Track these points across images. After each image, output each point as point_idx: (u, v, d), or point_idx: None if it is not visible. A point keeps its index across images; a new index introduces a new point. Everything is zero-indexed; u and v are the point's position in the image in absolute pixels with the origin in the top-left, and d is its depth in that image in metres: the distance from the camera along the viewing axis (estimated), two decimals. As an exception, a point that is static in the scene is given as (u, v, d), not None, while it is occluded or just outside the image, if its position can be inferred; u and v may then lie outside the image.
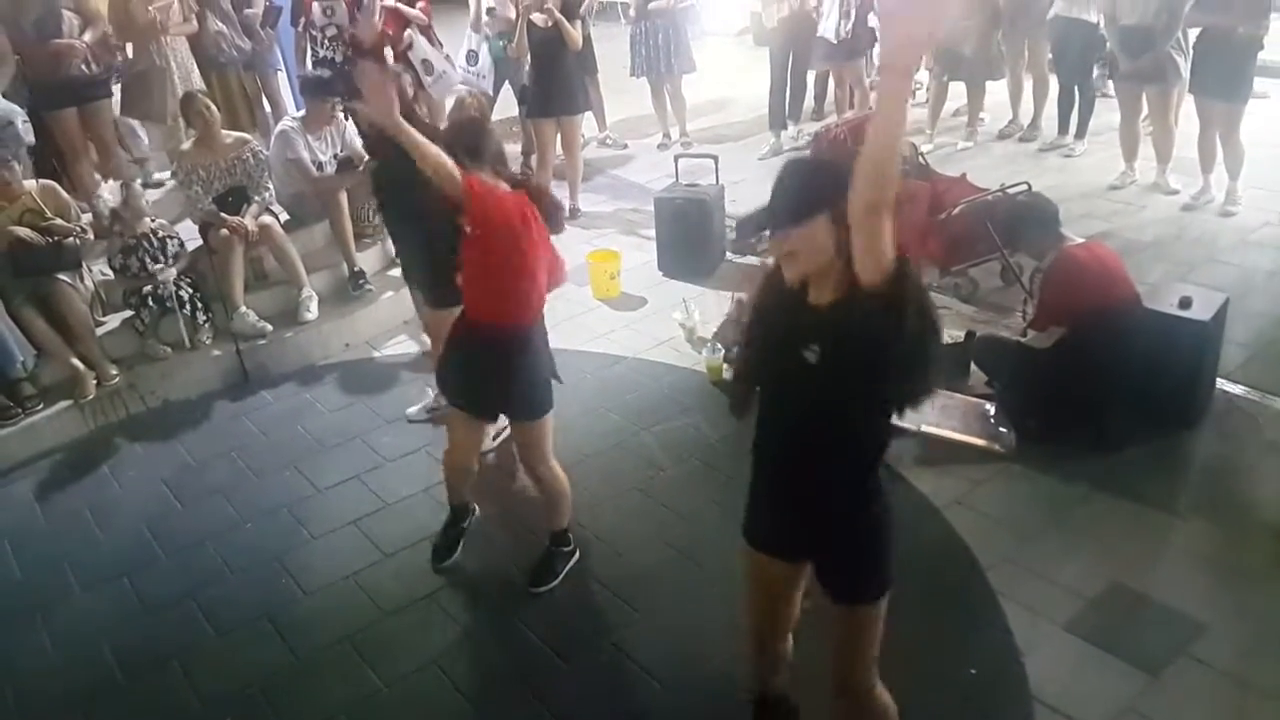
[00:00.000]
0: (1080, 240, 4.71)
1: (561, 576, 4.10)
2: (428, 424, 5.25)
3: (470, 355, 3.82)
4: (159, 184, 7.53)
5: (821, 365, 2.34)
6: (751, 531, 2.82)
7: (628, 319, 6.30)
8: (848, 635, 2.70)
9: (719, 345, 5.52)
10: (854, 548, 2.58)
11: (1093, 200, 7.43)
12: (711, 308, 6.04)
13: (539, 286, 3.73)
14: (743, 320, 2.72)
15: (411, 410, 5.39)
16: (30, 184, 5.68)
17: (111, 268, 5.92)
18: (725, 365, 5.46)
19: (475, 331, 3.77)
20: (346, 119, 6.50)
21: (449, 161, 3.37)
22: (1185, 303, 4.60)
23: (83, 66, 6.56)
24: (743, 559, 2.87)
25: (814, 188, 2.32)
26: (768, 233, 2.39)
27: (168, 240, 5.94)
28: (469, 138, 3.63)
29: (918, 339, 2.24)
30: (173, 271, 5.87)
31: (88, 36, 6.54)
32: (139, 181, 6.64)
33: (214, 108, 6.21)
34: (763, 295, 2.54)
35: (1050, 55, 8.45)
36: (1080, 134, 8.39)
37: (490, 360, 3.75)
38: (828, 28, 8.55)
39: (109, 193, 6.81)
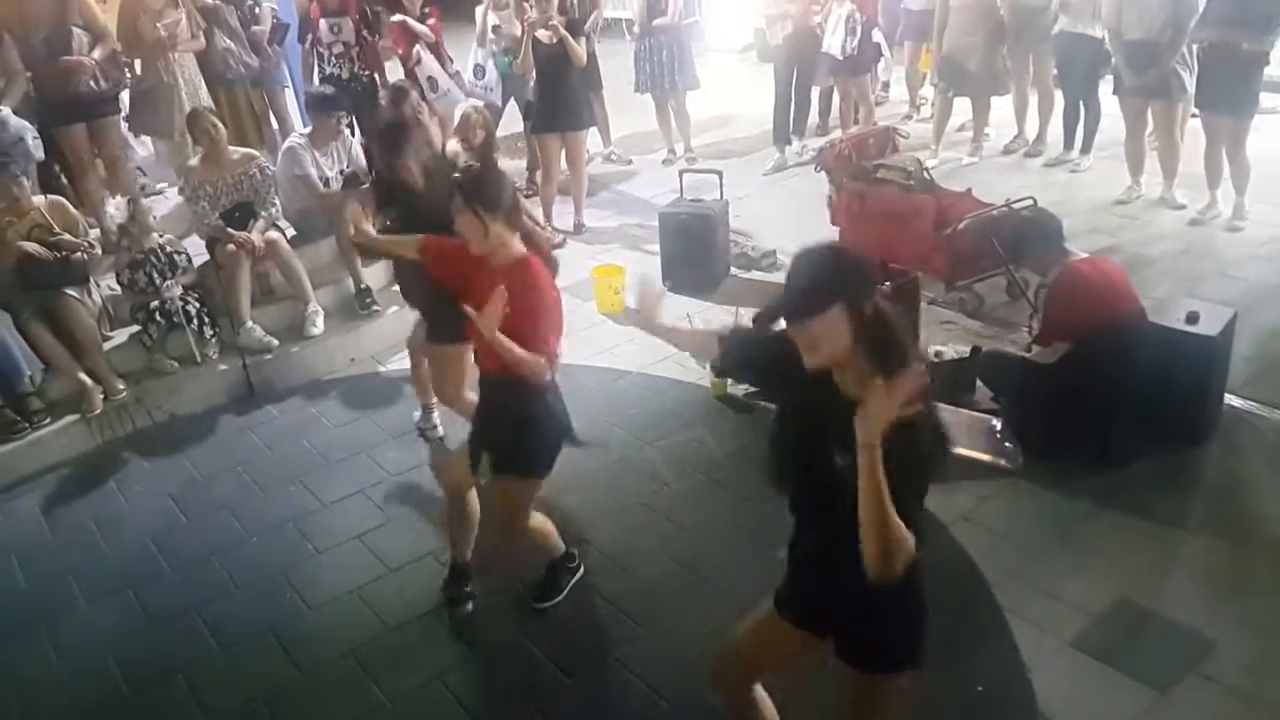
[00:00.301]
0: (1085, 255, 4.71)
1: (565, 591, 4.09)
2: (437, 439, 5.27)
3: (481, 404, 3.79)
4: (158, 192, 7.56)
5: (847, 470, 2.27)
6: (782, 596, 2.78)
7: (632, 334, 6.29)
8: (851, 707, 2.63)
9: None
10: (875, 623, 2.52)
11: (1098, 215, 7.43)
12: (716, 323, 6.03)
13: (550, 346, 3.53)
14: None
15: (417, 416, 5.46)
16: (39, 199, 5.71)
17: (119, 283, 5.94)
18: (729, 380, 5.46)
19: (486, 382, 3.72)
20: (352, 135, 6.53)
21: (536, 358, 3.38)
22: (1192, 318, 4.59)
23: (91, 83, 6.59)
24: (763, 616, 2.81)
25: (827, 278, 2.33)
26: (784, 323, 2.38)
27: (175, 255, 5.95)
28: (486, 190, 3.47)
29: (931, 458, 2.29)
30: (179, 287, 5.88)
31: (97, 53, 6.58)
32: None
33: (220, 125, 6.23)
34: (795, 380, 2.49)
35: (1055, 70, 8.46)
36: (1086, 149, 8.38)
37: (495, 411, 3.70)
38: (833, 44, 8.57)
39: (116, 209, 6.85)
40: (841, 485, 2.26)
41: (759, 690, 2.97)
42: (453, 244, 3.58)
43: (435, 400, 5.17)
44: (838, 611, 2.59)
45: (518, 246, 3.50)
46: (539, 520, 3.95)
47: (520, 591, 4.13)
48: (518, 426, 3.61)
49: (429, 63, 8.20)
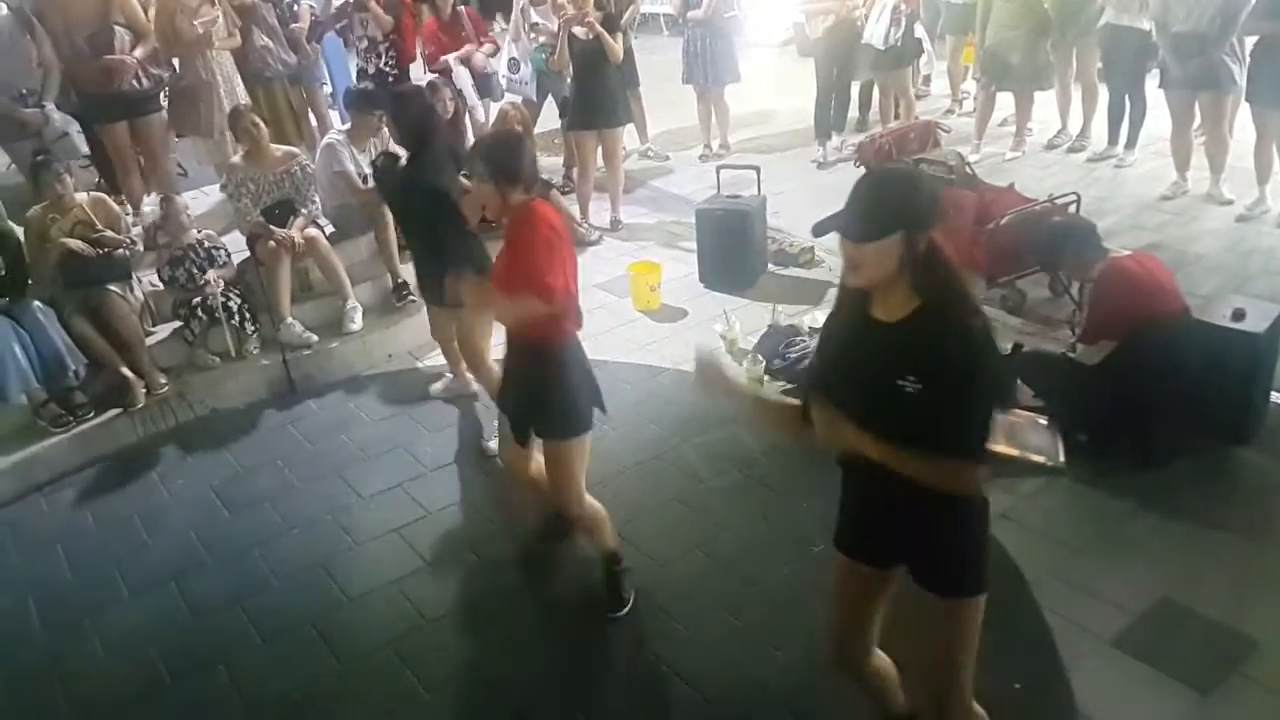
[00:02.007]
0: (1126, 252, 4.65)
1: (632, 594, 4.00)
2: (469, 434, 5.29)
3: (510, 372, 3.83)
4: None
5: (916, 394, 2.33)
6: (843, 538, 2.81)
7: (668, 331, 6.30)
8: (945, 633, 2.63)
9: (760, 357, 5.50)
10: (950, 541, 2.56)
11: (1143, 212, 7.32)
12: (752, 319, 6.02)
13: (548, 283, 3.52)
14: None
15: (435, 387, 5.75)
16: (81, 196, 5.79)
17: (161, 280, 6.01)
18: (766, 377, 5.44)
19: (511, 347, 3.78)
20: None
21: (533, 300, 3.44)
22: (1239, 315, 4.52)
23: (134, 81, 6.67)
24: (834, 567, 2.84)
25: (892, 206, 2.34)
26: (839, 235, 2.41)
27: (214, 250, 6.02)
28: (504, 158, 3.55)
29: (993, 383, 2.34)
30: (220, 282, 5.93)
31: (139, 52, 6.66)
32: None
33: (262, 122, 6.28)
34: (835, 311, 2.57)
35: (1100, 64, 8.35)
36: (1131, 144, 8.26)
37: (524, 377, 3.74)
38: (876, 33, 8.52)
39: (149, 207, 6.92)
40: (891, 410, 2.35)
41: (880, 658, 2.96)
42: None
43: (462, 369, 5.53)
44: (905, 537, 2.61)
45: (524, 197, 3.58)
46: (596, 507, 3.93)
47: (557, 585, 4.14)
48: (548, 388, 3.65)
49: (461, 77, 8.27)
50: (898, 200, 2.35)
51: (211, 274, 5.92)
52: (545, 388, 3.65)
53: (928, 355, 2.32)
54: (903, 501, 2.48)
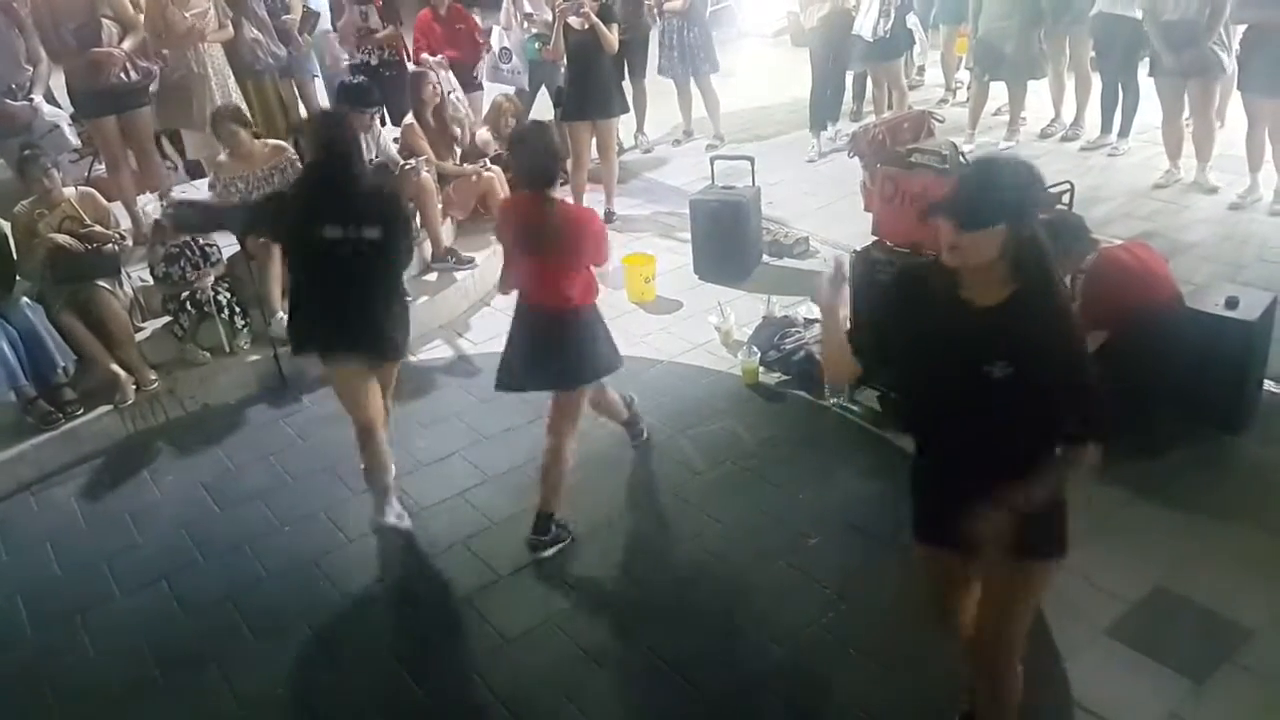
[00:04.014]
0: (1117, 242, 4.63)
1: (550, 552, 4.25)
2: (463, 430, 5.26)
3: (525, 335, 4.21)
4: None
5: (1010, 385, 2.39)
6: (922, 528, 2.84)
7: (663, 322, 6.28)
8: (1011, 593, 2.70)
9: (754, 348, 5.49)
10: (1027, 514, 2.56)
11: (1137, 200, 7.31)
12: (747, 311, 6.01)
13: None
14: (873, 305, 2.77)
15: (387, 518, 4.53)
16: (69, 190, 5.74)
17: (153, 276, 5.97)
18: (761, 368, 5.43)
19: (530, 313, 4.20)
20: (382, 125, 6.54)
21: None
22: (1232, 303, 4.51)
23: (122, 74, 6.63)
24: (920, 559, 2.90)
25: (999, 196, 2.38)
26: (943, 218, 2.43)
27: (207, 248, 5.98)
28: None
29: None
30: (211, 276, 5.90)
31: (127, 44, 6.62)
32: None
33: (244, 122, 6.22)
34: (906, 288, 2.63)
35: (1093, 53, 8.33)
36: (1124, 133, 8.25)
37: (544, 338, 4.14)
38: (864, 25, 8.48)
39: (149, 204, 6.89)
40: (993, 392, 2.41)
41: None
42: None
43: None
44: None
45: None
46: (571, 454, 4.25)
47: (555, 579, 4.13)
48: (569, 347, 4.14)
49: (448, 78, 8.23)
50: (1006, 190, 2.39)
51: (205, 281, 5.89)
52: (566, 345, 4.15)
53: (1023, 341, 2.38)
54: (984, 491, 2.50)
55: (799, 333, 5.52)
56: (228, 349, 5.95)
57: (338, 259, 4.06)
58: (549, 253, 4.02)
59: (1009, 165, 2.52)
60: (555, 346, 4.12)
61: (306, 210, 4.12)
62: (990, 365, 2.39)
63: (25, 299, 5.36)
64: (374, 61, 8.01)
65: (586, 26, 7.38)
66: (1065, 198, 5.94)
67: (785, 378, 5.40)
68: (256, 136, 6.34)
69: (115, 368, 5.54)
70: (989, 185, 2.40)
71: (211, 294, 5.84)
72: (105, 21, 6.52)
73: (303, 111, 8.11)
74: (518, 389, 4.30)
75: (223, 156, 6.22)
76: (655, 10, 9.21)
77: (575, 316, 4.12)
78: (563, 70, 7.87)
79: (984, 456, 2.53)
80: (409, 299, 4.54)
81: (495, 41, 8.63)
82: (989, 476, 2.49)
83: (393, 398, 4.68)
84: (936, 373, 2.54)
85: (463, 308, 6.73)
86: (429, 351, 6.20)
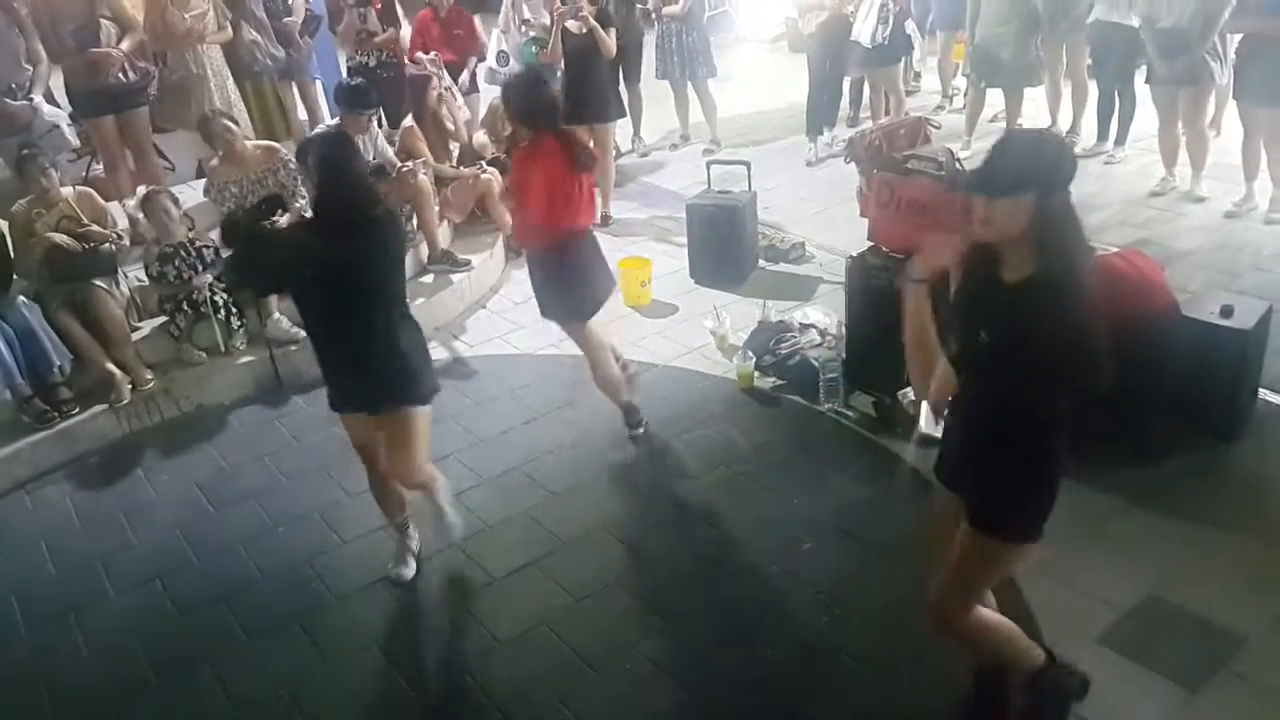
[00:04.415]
0: (1113, 249, 4.64)
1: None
2: (459, 432, 5.26)
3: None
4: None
5: (990, 347, 2.52)
6: (939, 471, 2.98)
7: (658, 326, 6.28)
8: (962, 556, 2.78)
9: (750, 353, 5.49)
10: (991, 478, 2.70)
11: (1132, 208, 7.33)
12: (742, 315, 6.01)
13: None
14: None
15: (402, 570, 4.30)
16: (67, 190, 5.74)
17: (149, 275, 5.97)
18: (756, 373, 5.44)
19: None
20: (379, 127, 6.54)
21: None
22: (1227, 311, 4.52)
23: (120, 75, 6.63)
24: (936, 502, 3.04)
25: (1028, 165, 2.44)
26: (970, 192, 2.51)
27: (203, 249, 5.98)
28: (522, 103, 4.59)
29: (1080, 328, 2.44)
30: (208, 277, 5.90)
31: (125, 45, 6.62)
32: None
33: (235, 125, 6.21)
34: (970, 265, 2.68)
35: (1089, 60, 8.35)
36: (1120, 140, 8.27)
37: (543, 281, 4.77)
38: (863, 32, 8.50)
39: (131, 202, 6.89)
40: (978, 357, 2.56)
41: (984, 614, 3.00)
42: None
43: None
44: (965, 469, 2.80)
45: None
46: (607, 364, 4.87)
47: (545, 583, 4.12)
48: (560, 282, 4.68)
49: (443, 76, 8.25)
50: (1031, 159, 2.44)
51: (202, 279, 5.88)
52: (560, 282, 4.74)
53: (1019, 315, 2.47)
54: (972, 434, 2.74)
55: (794, 338, 5.53)
56: (223, 349, 5.95)
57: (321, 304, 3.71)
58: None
59: (1038, 136, 2.62)
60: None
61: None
62: (983, 331, 2.52)
63: (22, 298, 5.37)
64: (372, 63, 8.00)
65: (584, 30, 7.40)
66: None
67: (780, 383, 5.41)
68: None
69: (111, 367, 5.54)
70: (1017, 153, 2.47)
71: (208, 294, 5.84)
72: (104, 22, 6.53)
73: (303, 114, 8.12)
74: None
75: (215, 161, 6.22)
76: (654, 14, 9.23)
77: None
78: (560, 74, 7.88)
79: (975, 419, 2.69)
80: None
81: (493, 45, 8.63)
82: (975, 439, 2.71)
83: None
84: (960, 336, 2.67)
85: (458, 310, 6.73)
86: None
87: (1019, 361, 2.46)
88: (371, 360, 3.72)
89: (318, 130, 6.53)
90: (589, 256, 4.80)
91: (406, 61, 8.06)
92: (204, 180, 7.18)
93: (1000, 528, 2.75)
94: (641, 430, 5.05)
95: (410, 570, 4.24)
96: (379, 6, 7.96)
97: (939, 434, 3.09)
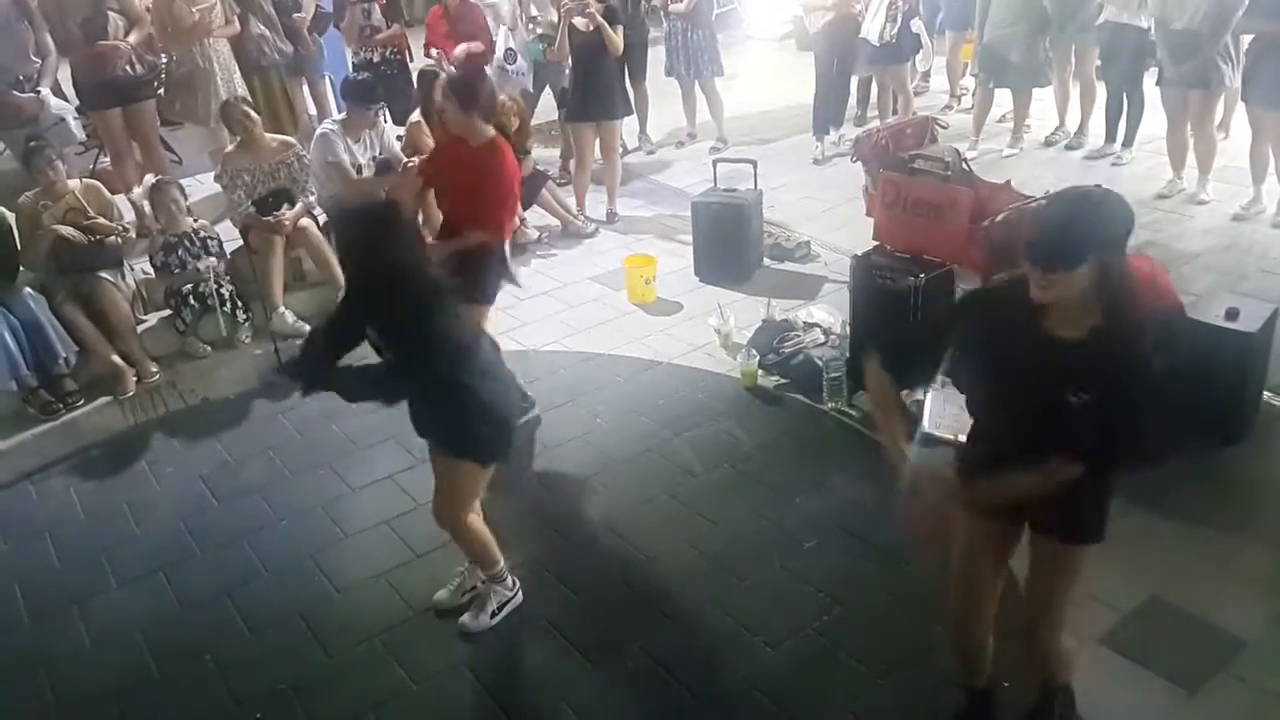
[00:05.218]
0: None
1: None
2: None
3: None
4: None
5: (1087, 411, 2.44)
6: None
7: (663, 324, 6.28)
8: (1054, 576, 2.81)
9: (754, 351, 5.49)
10: (1078, 498, 2.66)
11: (1140, 209, 7.14)
12: (747, 314, 6.01)
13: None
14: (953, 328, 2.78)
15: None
16: (74, 183, 5.77)
17: (154, 265, 5.99)
18: (760, 371, 5.43)
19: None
20: (386, 122, 6.55)
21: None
22: (1232, 314, 4.51)
23: (127, 67, 6.65)
24: (960, 528, 2.94)
25: (1085, 234, 2.36)
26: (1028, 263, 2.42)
27: (207, 240, 6.00)
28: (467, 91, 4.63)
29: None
30: (213, 260, 5.91)
31: (132, 38, 6.65)
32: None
33: (254, 113, 6.25)
34: (988, 314, 2.63)
35: (1098, 61, 8.33)
36: (1128, 142, 8.25)
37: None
38: (871, 30, 8.49)
39: (139, 190, 6.91)
40: (1069, 418, 2.47)
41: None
42: (434, 153, 5.02)
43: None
44: (1049, 504, 2.69)
45: (489, 131, 4.70)
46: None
47: (546, 578, 4.13)
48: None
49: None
50: (1089, 227, 2.37)
51: (206, 262, 5.90)
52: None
53: (1103, 372, 2.41)
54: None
55: (798, 336, 5.53)
56: (229, 342, 5.96)
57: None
58: None
59: (1091, 202, 2.48)
60: None
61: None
62: (1071, 396, 2.44)
63: (28, 289, 5.39)
64: (376, 59, 8.01)
65: (592, 28, 7.39)
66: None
67: (784, 381, 5.41)
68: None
69: (116, 359, 5.56)
70: (1075, 227, 2.37)
71: (214, 287, 5.86)
72: (111, 15, 6.56)
73: (312, 110, 8.13)
74: None
75: (230, 147, 6.24)
76: (661, 11, 9.23)
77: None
78: (567, 71, 7.88)
79: (1048, 454, 2.58)
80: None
81: (501, 43, 8.63)
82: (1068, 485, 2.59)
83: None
84: (1009, 395, 2.59)
85: (463, 306, 6.73)
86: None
87: (1107, 410, 2.44)
88: (421, 399, 3.58)
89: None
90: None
91: (419, 56, 8.07)
92: (210, 174, 7.22)
93: (1099, 537, 2.82)
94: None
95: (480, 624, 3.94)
96: (383, 2, 7.97)
97: (940, 434, 3.07)
